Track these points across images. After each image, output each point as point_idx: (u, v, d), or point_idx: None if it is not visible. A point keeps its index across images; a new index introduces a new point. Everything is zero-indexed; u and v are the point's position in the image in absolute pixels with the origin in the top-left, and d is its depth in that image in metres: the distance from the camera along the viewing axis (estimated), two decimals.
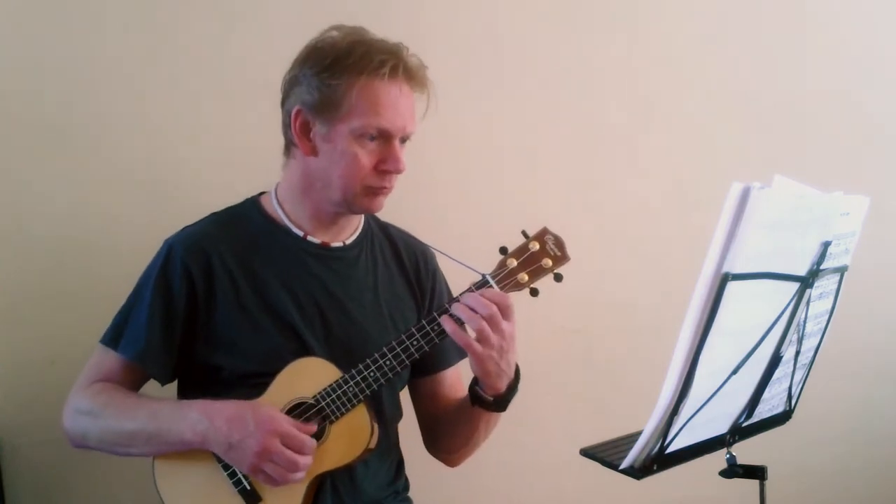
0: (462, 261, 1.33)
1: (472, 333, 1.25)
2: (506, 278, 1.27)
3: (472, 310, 1.23)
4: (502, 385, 1.31)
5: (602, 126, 2.03)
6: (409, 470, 1.55)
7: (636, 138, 2.05)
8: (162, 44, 1.75)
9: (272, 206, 1.42)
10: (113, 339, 1.37)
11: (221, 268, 1.36)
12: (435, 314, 1.27)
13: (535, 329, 1.96)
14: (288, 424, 1.25)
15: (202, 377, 1.35)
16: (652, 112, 2.06)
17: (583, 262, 2.01)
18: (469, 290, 1.28)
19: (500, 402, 1.34)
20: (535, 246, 1.28)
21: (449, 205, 1.92)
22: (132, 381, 1.37)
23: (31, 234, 1.70)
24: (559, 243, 1.29)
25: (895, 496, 2.28)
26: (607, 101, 2.04)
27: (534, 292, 1.29)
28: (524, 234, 1.29)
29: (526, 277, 1.28)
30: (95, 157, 1.73)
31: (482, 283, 1.28)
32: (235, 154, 1.76)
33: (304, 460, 1.24)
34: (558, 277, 1.29)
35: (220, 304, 1.35)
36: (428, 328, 1.27)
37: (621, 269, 2.06)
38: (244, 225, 1.41)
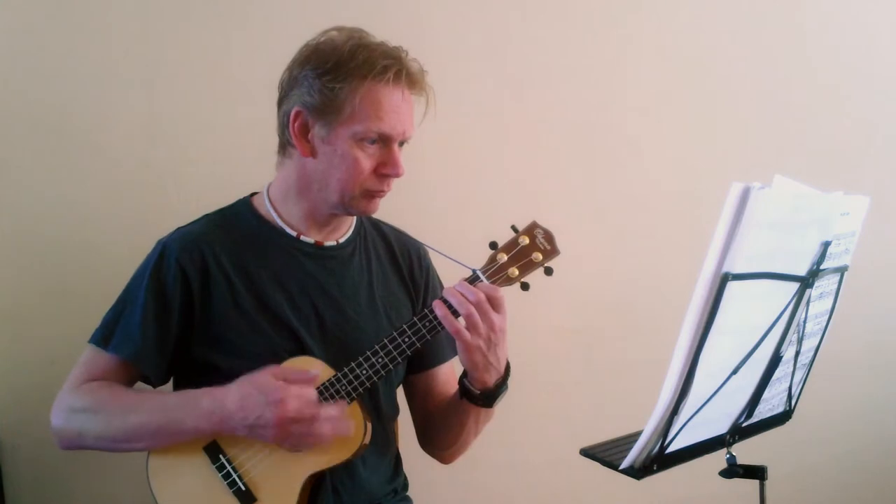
0: (454, 257, 1.34)
1: (462, 322, 1.25)
2: (496, 273, 1.27)
3: (462, 295, 1.24)
4: (490, 379, 1.31)
5: (602, 126, 2.03)
6: (409, 470, 1.55)
7: (637, 138, 2.05)
8: (162, 43, 1.75)
9: (265, 207, 1.41)
10: (104, 338, 1.35)
11: (216, 267, 1.35)
12: (426, 311, 1.27)
13: (535, 329, 1.96)
14: (291, 389, 1.22)
15: (199, 376, 1.34)
16: (652, 112, 2.06)
17: (583, 262, 2.03)
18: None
19: (488, 397, 1.34)
20: (525, 240, 1.28)
21: (448, 204, 1.92)
22: (124, 380, 1.35)
23: (32, 235, 1.70)
24: (549, 237, 1.28)
25: (895, 496, 2.28)
26: (607, 102, 2.03)
27: (524, 286, 1.28)
28: (514, 228, 1.29)
29: (516, 272, 1.27)
30: (96, 157, 1.73)
31: (473, 279, 1.28)
32: (236, 154, 1.76)
33: (317, 411, 1.23)
34: (549, 271, 1.28)
35: (216, 303, 1.34)
36: (419, 324, 1.27)
37: (621, 269, 2.06)
38: (237, 226, 1.41)
